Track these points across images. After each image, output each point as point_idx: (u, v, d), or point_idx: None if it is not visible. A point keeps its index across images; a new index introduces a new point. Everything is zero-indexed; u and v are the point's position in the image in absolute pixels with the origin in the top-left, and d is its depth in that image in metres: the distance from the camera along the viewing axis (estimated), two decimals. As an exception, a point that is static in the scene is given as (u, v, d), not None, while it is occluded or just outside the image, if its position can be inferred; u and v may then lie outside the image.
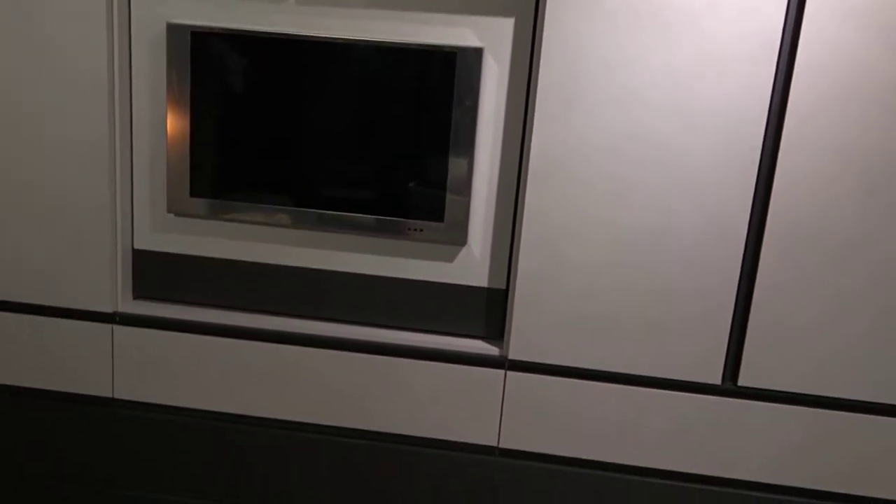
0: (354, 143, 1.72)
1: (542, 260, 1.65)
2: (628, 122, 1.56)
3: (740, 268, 1.61)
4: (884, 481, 1.70)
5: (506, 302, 1.74)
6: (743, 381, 1.67)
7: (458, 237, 1.70)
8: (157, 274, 1.85)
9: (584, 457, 1.76)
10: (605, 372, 1.70)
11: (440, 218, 1.68)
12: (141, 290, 1.88)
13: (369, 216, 1.71)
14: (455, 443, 1.79)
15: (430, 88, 1.65)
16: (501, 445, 1.77)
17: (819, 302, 1.61)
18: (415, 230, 1.70)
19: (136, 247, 1.84)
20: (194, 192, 1.75)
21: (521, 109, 1.66)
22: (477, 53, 1.61)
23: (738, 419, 1.70)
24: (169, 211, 1.78)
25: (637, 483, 1.76)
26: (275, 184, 1.74)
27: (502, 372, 1.73)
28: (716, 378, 1.68)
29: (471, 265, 1.74)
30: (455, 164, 1.66)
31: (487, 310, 1.77)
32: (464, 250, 1.74)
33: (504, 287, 1.74)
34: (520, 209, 1.65)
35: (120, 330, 1.83)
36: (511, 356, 1.72)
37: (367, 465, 1.84)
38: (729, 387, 1.68)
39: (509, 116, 1.66)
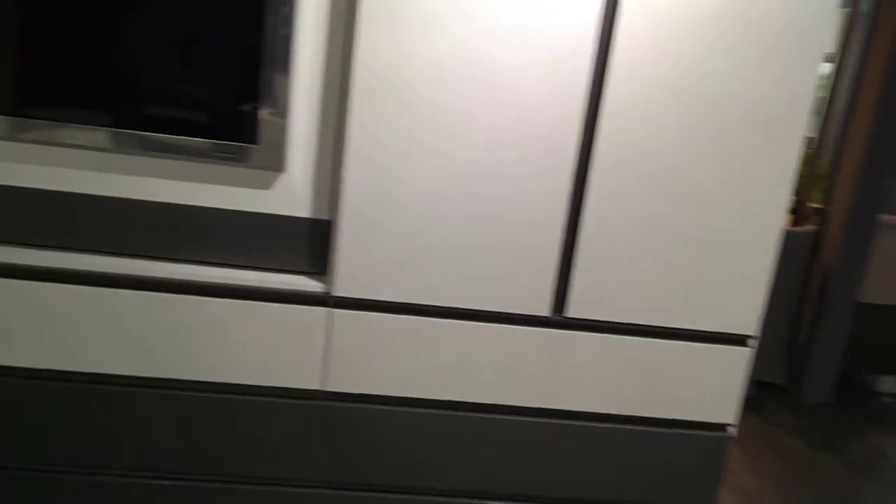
0: (155, 53, 1.50)
1: (370, 189, 1.53)
2: (458, 44, 1.46)
3: (567, 198, 1.57)
4: (697, 403, 1.75)
5: (330, 234, 1.60)
6: (571, 312, 1.65)
7: (276, 162, 1.54)
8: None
9: (417, 396, 1.68)
10: (436, 307, 1.62)
11: (254, 140, 1.51)
12: None
13: (172, 136, 1.50)
14: (278, 388, 1.66)
15: (240, -9, 1.46)
16: (328, 388, 1.66)
17: (641, 232, 1.60)
18: (226, 153, 1.51)
19: None
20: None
21: (346, 22, 1.50)
22: (292, -47, 1.43)
23: (567, 350, 1.68)
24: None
25: (472, 419, 1.72)
26: (66, 99, 1.49)
27: (327, 310, 1.61)
28: (545, 310, 1.64)
29: (291, 193, 1.59)
30: (270, 80, 1.48)
31: (310, 243, 1.63)
32: (283, 177, 1.57)
33: (328, 218, 1.61)
34: (345, 133, 1.51)
35: None
36: (336, 293, 1.59)
37: (182, 418, 1.66)
38: (558, 318, 1.65)
39: (333, 29, 1.51)
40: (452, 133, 1.51)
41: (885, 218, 3.74)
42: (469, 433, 1.72)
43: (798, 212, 3.77)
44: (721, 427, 1.78)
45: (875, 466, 3.19)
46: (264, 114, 1.50)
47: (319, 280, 1.63)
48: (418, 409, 1.69)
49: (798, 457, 3.18)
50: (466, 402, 1.70)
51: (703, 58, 1.51)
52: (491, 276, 1.61)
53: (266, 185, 1.58)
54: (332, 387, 1.66)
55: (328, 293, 1.60)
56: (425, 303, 1.61)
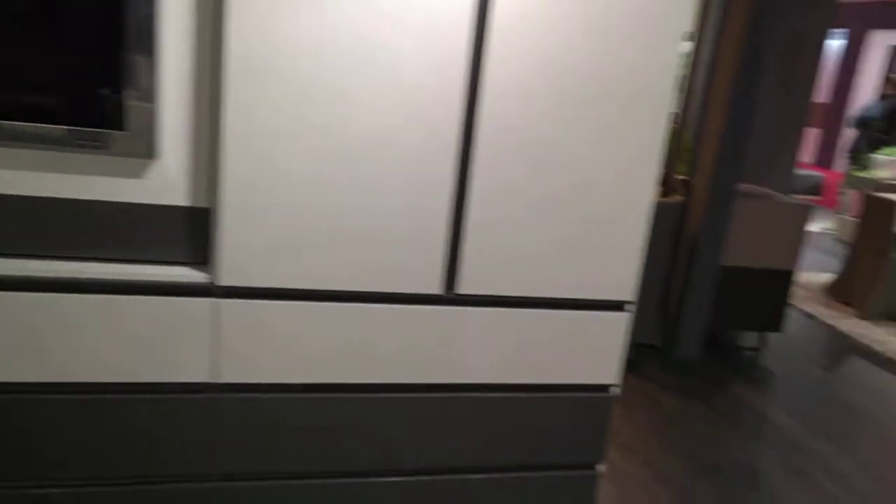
0: (2, 32, 1.38)
1: (250, 173, 1.49)
2: (338, 22, 1.44)
3: (453, 176, 1.60)
4: (583, 367, 1.84)
5: (211, 222, 1.55)
6: (462, 288, 1.68)
7: (146, 149, 1.46)
8: None
9: (312, 381, 1.67)
10: (326, 291, 1.61)
11: (119, 126, 1.43)
12: None
13: (33, 124, 1.40)
14: (167, 384, 1.60)
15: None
16: (220, 381, 1.62)
17: (524, 208, 1.65)
18: (86, 141, 1.42)
19: None
20: None
21: (216, 1, 1.44)
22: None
23: (460, 326, 1.71)
24: None
25: (370, 400, 1.72)
26: None
27: (212, 301, 1.56)
28: (436, 288, 1.67)
29: (166, 181, 1.52)
30: (132, 63, 1.40)
31: (190, 232, 1.57)
32: (156, 164, 1.50)
33: (208, 205, 1.55)
34: (222, 117, 1.46)
35: None
36: (221, 282, 1.55)
37: (70, 422, 1.57)
38: (449, 295, 1.68)
39: (201, 8, 1.44)
40: (335, 114, 1.49)
41: (743, 187, 4.01)
42: (367, 414, 1.73)
43: (667, 184, 3.97)
44: (605, 388, 1.87)
45: (739, 414, 3.44)
46: (129, 98, 1.42)
47: (202, 270, 1.58)
48: (315, 395, 1.68)
49: (672, 410, 3.39)
50: (363, 384, 1.70)
51: (573, 35, 1.56)
52: (380, 258, 1.61)
53: (137, 174, 1.50)
54: (224, 378, 1.62)
55: (213, 283, 1.55)
56: (315, 287, 1.60)
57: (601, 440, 1.92)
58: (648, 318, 3.85)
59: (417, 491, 1.83)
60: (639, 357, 3.78)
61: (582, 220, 1.69)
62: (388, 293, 1.64)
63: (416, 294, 1.66)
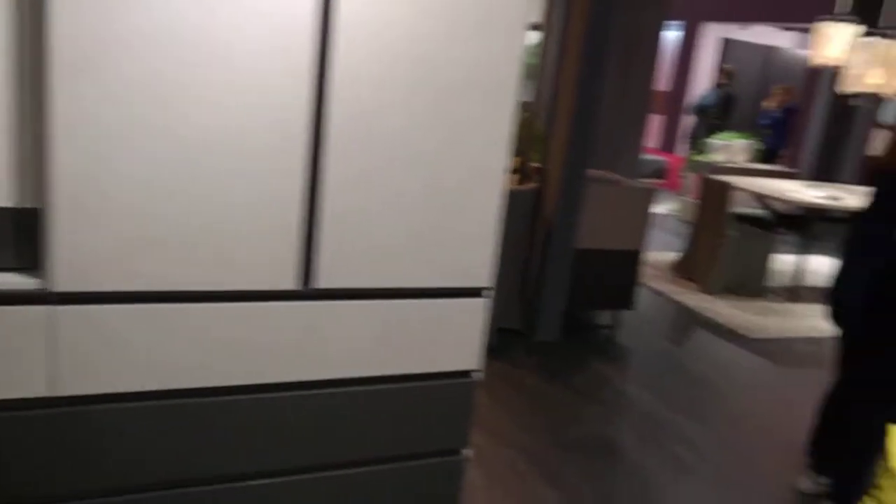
0: None
1: (83, 171, 1.39)
2: (175, 12, 1.37)
3: (304, 169, 1.56)
4: (444, 354, 1.86)
5: (42, 223, 1.44)
6: (319, 282, 1.65)
7: (-39, 146, 1.34)
8: None
9: (163, 388, 1.59)
10: (174, 292, 1.53)
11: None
12: None
13: None
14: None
15: None
16: (60, 394, 1.50)
17: (378, 198, 1.65)
18: None
19: None
20: None
21: (35, -14, 1.34)
22: None
23: (319, 321, 1.69)
24: None
25: (227, 404, 1.66)
26: None
27: (47, 308, 1.45)
28: (293, 283, 1.63)
29: (-13, 182, 1.40)
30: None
31: (16, 234, 1.45)
32: (-27, 164, 1.38)
33: (36, 206, 1.44)
34: (47, 115, 1.35)
35: None
36: (57, 288, 1.44)
37: None
38: (306, 290, 1.65)
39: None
40: (175, 107, 1.42)
41: (593, 173, 4.19)
42: (228, 417, 1.67)
43: (522, 171, 4.09)
44: (467, 373, 1.91)
45: (599, 391, 3.62)
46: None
47: (34, 276, 1.46)
48: (166, 402, 1.60)
49: (535, 391, 3.51)
50: (221, 387, 1.64)
51: (420, 23, 1.57)
52: (232, 255, 1.55)
53: (-47, 174, 1.37)
54: (64, 391, 1.51)
55: (46, 289, 1.44)
56: (162, 289, 1.52)
57: (465, 425, 1.95)
58: (510, 303, 3.96)
59: (285, 492, 1.79)
60: (502, 342, 3.88)
61: (436, 210, 1.71)
62: (243, 291, 1.59)
63: (271, 291, 1.61)
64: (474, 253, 1.79)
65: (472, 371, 1.91)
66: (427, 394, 1.88)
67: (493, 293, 1.86)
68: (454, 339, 1.86)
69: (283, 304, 1.64)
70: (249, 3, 1.42)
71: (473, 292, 1.83)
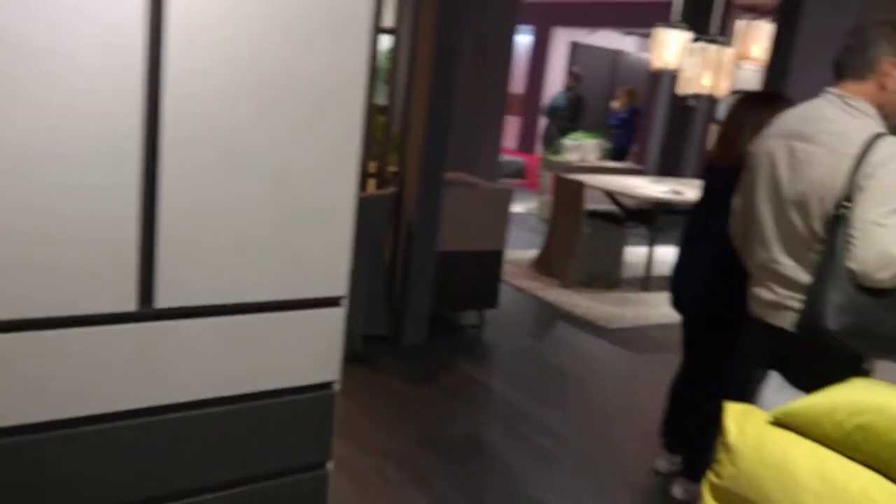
0: None
1: None
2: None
3: (139, 183, 1.47)
4: (302, 368, 1.82)
5: None
6: (160, 302, 1.56)
7: None
8: None
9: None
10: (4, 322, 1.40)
11: None
12: None
13: None
14: None
15: None
16: None
17: (223, 211, 1.58)
18: None
19: None
20: None
21: None
22: None
23: (164, 343, 1.60)
24: None
25: (73, 437, 1.53)
26: None
27: None
28: (131, 304, 1.53)
29: None
30: None
31: None
32: None
33: None
34: None
35: None
36: None
37: None
38: (147, 311, 1.56)
39: None
40: (-15, 120, 1.30)
41: (452, 175, 4.26)
42: (72, 451, 1.54)
43: (380, 176, 4.08)
44: (327, 385, 1.86)
45: (466, 390, 3.67)
46: None
47: None
48: (-9, 442, 1.46)
49: (402, 395, 3.51)
50: (51, 422, 1.51)
51: (258, 34, 1.52)
52: (61, 277, 1.44)
53: None
54: None
55: None
56: (-18, 319, 1.38)
57: (328, 438, 1.91)
58: (376, 309, 3.94)
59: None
60: (369, 349, 3.86)
61: (284, 220, 1.66)
62: (74, 316, 1.47)
63: (107, 314, 1.51)
64: (328, 262, 1.75)
65: (332, 382, 1.87)
66: (286, 409, 1.82)
67: (348, 301, 1.83)
68: (312, 352, 1.81)
69: (120, 327, 1.53)
70: (77, 9, 1.32)
71: (329, 302, 1.80)
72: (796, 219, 2.03)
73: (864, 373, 1.98)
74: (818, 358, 2.00)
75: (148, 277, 1.54)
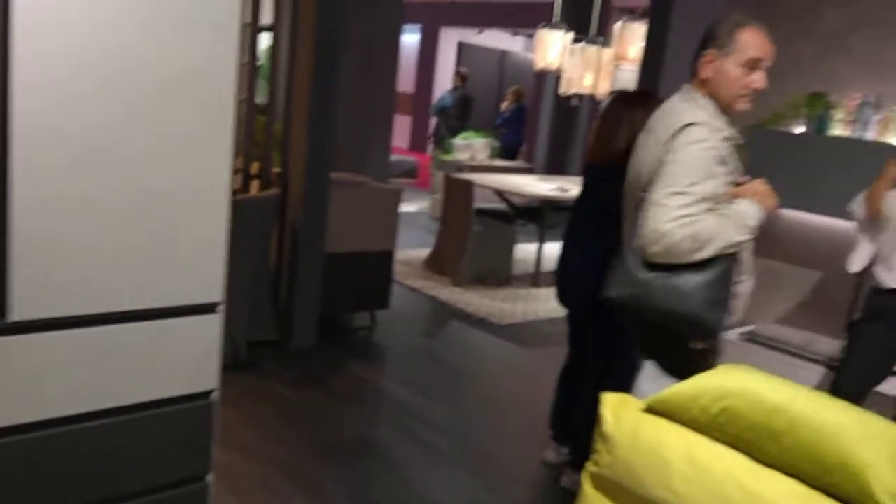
0: None
1: None
2: None
3: (-13, 184, 1.37)
4: (179, 377, 1.74)
5: None
6: (16, 315, 1.45)
7: None
8: None
9: None
10: None
11: None
12: None
13: None
14: None
15: None
16: None
17: (83, 216, 1.49)
18: None
19: None
20: None
21: None
22: None
23: (23, 358, 1.49)
24: None
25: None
26: None
27: None
28: (-18, 318, 1.42)
29: None
30: None
31: None
32: None
33: None
34: None
35: None
36: None
37: None
38: (1, 324, 1.45)
39: None
40: None
41: (339, 176, 4.20)
42: None
43: (263, 177, 3.98)
44: (205, 394, 1.79)
45: (357, 393, 3.63)
46: None
47: None
48: None
49: (289, 401, 3.43)
50: None
51: (115, 28, 1.44)
52: None
53: None
54: None
55: None
56: None
57: (207, 449, 1.84)
58: (262, 314, 3.84)
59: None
60: (254, 355, 3.75)
61: (150, 223, 1.58)
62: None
63: (-47, 329, 1.39)
64: (202, 267, 1.68)
65: (211, 391, 1.80)
66: (162, 421, 1.74)
67: (227, 307, 1.77)
68: (188, 361, 1.74)
69: (-32, 343, 1.42)
70: None
71: (206, 308, 1.73)
72: (630, 202, 2.23)
73: (708, 364, 2.04)
74: (674, 348, 2.10)
75: (1, 289, 1.43)
